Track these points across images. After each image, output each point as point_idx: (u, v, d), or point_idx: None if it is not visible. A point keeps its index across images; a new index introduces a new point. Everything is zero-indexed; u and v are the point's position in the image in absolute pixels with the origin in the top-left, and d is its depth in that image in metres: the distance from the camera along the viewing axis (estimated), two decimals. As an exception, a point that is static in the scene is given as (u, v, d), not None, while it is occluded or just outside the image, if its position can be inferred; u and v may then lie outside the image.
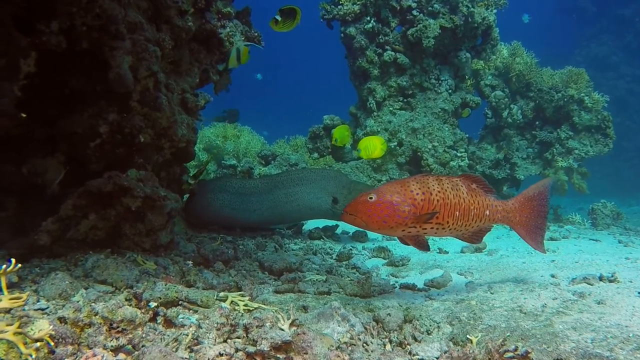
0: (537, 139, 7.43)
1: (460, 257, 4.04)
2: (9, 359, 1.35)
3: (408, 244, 2.41)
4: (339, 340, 1.82)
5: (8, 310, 1.60)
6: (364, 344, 1.84)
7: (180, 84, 3.60)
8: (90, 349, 1.49)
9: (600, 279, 2.74)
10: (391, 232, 2.31)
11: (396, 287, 2.98)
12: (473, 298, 2.53)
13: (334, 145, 6.56)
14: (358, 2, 7.12)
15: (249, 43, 4.23)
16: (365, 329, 1.98)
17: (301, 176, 4.61)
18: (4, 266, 1.55)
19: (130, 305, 1.75)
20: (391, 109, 7.23)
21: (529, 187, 2.65)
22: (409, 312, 2.14)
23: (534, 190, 2.61)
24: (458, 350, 1.65)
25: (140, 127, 2.78)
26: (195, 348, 1.57)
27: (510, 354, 1.61)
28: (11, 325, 1.37)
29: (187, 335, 1.62)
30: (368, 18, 7.16)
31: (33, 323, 1.46)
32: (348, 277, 3.20)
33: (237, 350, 1.58)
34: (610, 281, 2.70)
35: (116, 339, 1.56)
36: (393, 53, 7.07)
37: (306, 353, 1.53)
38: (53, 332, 1.44)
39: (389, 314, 2.07)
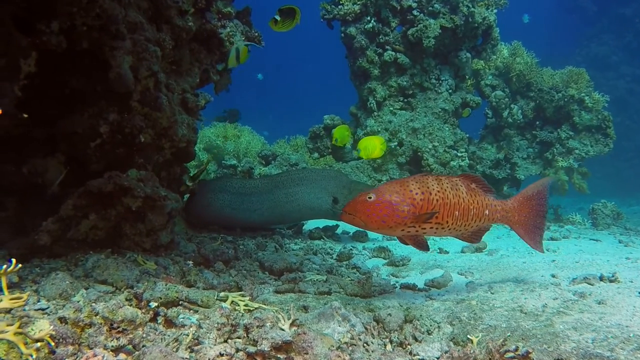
0: (538, 139, 7.43)
1: (461, 257, 4.04)
2: (9, 359, 1.35)
3: (407, 244, 2.41)
4: (339, 340, 1.82)
5: (8, 311, 1.60)
6: (365, 344, 1.84)
7: (180, 84, 3.60)
8: (91, 349, 1.49)
9: (601, 279, 2.74)
10: (390, 231, 2.31)
11: (397, 287, 2.97)
12: (473, 298, 2.52)
13: (334, 145, 6.56)
14: (358, 2, 7.12)
15: (248, 43, 4.23)
16: (366, 329, 1.98)
17: (301, 176, 4.60)
18: (5, 266, 1.55)
19: (130, 306, 1.75)
20: (391, 108, 7.23)
21: (527, 187, 2.65)
22: (410, 312, 2.14)
23: (532, 189, 2.61)
24: (459, 350, 1.65)
25: (141, 127, 2.78)
26: (195, 348, 1.57)
27: (511, 354, 1.61)
28: (12, 325, 1.36)
29: (188, 336, 1.62)
30: (368, 18, 7.15)
31: (33, 323, 1.46)
32: (348, 277, 3.20)
33: (237, 350, 1.58)
34: (611, 281, 2.70)
35: (117, 339, 1.56)
36: (393, 53, 7.07)
37: (307, 353, 1.53)
38: (53, 332, 1.44)
39: (389, 314, 2.07)
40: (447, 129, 7.09)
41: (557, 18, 25.02)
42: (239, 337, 1.68)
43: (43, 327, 1.43)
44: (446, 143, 6.96)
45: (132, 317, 1.62)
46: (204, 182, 4.66)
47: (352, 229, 4.96)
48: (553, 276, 2.97)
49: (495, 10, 7.19)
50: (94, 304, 1.71)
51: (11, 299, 1.52)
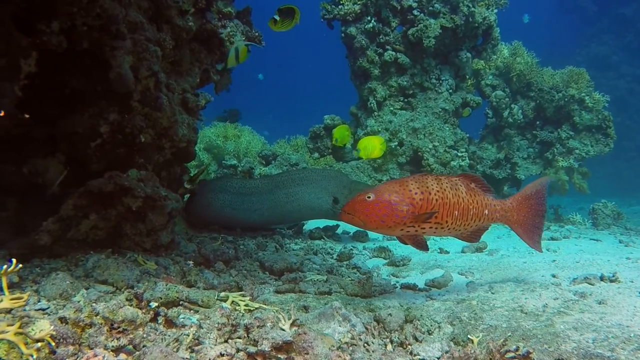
0: (538, 139, 7.42)
1: (461, 257, 4.04)
2: (10, 359, 1.35)
3: (407, 244, 2.40)
4: (340, 340, 1.82)
5: (9, 311, 1.59)
6: (365, 344, 1.84)
7: (180, 84, 3.60)
8: (91, 349, 1.49)
9: (602, 279, 2.74)
10: (389, 231, 2.31)
11: (397, 287, 2.97)
12: (474, 298, 2.52)
13: (335, 145, 6.56)
14: (359, 2, 7.12)
15: (248, 42, 4.23)
16: (366, 329, 1.98)
17: (302, 176, 4.60)
18: (5, 266, 1.55)
19: (131, 306, 1.75)
20: (392, 108, 7.23)
21: (526, 186, 2.65)
22: (410, 312, 2.14)
23: (531, 189, 2.61)
24: (459, 351, 1.65)
25: (141, 127, 2.78)
26: (196, 348, 1.57)
27: (512, 354, 1.61)
28: (12, 325, 1.36)
29: (188, 336, 1.62)
30: (369, 18, 7.15)
31: (34, 323, 1.46)
32: (349, 277, 3.20)
33: (238, 350, 1.58)
34: (612, 281, 2.70)
35: (117, 339, 1.56)
36: (394, 53, 7.07)
37: (307, 353, 1.53)
38: (54, 333, 1.44)
39: (390, 314, 2.07)
40: (447, 128, 7.09)
41: (558, 18, 25.02)
42: (239, 337, 1.68)
43: (43, 327, 1.43)
44: (446, 143, 6.96)
45: (132, 317, 1.62)
46: (204, 182, 4.66)
47: (352, 229, 4.96)
48: (553, 276, 2.97)
49: (495, 10, 7.19)
50: (94, 304, 1.71)
51: (12, 299, 1.52)
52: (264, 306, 2.11)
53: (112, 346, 1.54)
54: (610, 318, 2.07)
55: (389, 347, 1.91)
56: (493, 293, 2.62)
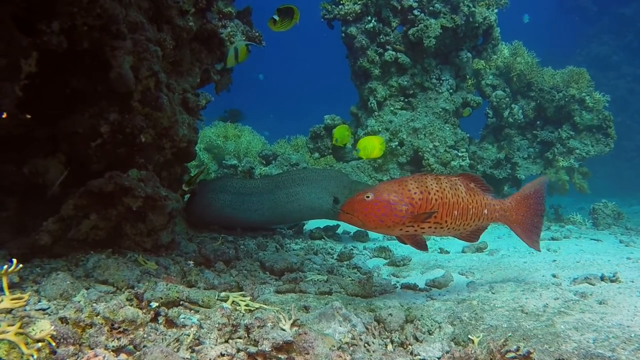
0: (538, 139, 7.42)
1: (462, 257, 4.04)
2: (10, 359, 1.35)
3: (406, 243, 2.40)
4: (340, 340, 1.82)
5: (9, 311, 1.59)
6: (366, 344, 1.84)
7: (181, 84, 3.60)
8: (92, 349, 1.49)
9: (602, 279, 2.74)
10: (388, 231, 2.30)
11: (397, 287, 2.97)
12: (474, 298, 2.52)
13: (335, 145, 6.56)
14: (359, 2, 7.12)
15: (248, 42, 4.23)
16: (367, 329, 1.98)
17: (302, 176, 4.60)
18: (6, 266, 1.55)
19: (131, 306, 1.75)
20: (392, 108, 7.23)
21: (525, 186, 2.65)
22: (411, 312, 2.14)
23: (530, 188, 2.61)
24: (460, 351, 1.65)
25: (142, 127, 2.78)
26: (196, 348, 1.57)
27: (512, 354, 1.61)
28: (13, 325, 1.36)
29: (189, 336, 1.62)
30: (369, 18, 7.15)
31: (34, 323, 1.45)
32: (349, 277, 3.20)
33: (238, 350, 1.58)
34: (612, 281, 2.70)
35: (117, 339, 1.56)
36: (394, 53, 7.07)
37: (308, 353, 1.53)
38: (54, 333, 1.44)
39: (390, 314, 2.07)
40: (447, 128, 7.09)
41: (558, 18, 25.01)
42: (240, 337, 1.68)
43: (44, 327, 1.43)
44: (447, 143, 6.96)
45: (133, 317, 1.62)
46: (204, 182, 4.67)
47: (352, 228, 4.96)
48: (554, 276, 2.97)
49: (495, 10, 7.19)
50: (94, 304, 1.71)
51: (12, 299, 1.52)
52: (265, 306, 2.11)
53: (113, 346, 1.54)
54: (610, 318, 2.07)
55: (390, 347, 1.91)
56: (493, 293, 2.62)
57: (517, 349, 1.61)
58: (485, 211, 2.44)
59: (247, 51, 4.12)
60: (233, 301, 2.11)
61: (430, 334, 2.02)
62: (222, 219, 4.50)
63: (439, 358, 1.76)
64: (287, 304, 2.34)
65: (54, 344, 1.43)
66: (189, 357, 1.53)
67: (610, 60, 19.50)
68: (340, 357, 1.57)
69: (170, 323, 1.77)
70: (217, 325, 1.68)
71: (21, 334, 1.36)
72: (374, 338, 1.93)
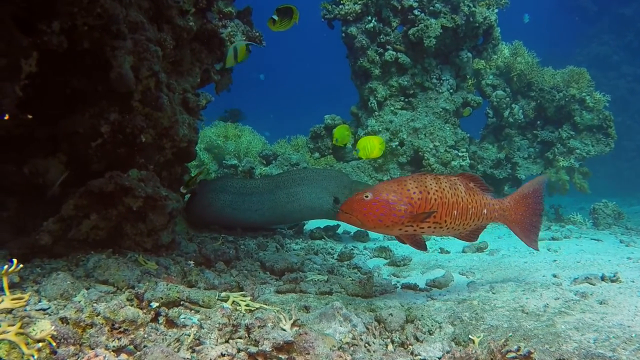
0: (539, 139, 7.42)
1: (462, 257, 4.04)
2: (11, 359, 1.35)
3: (405, 243, 2.40)
4: (341, 340, 1.82)
5: (10, 311, 1.59)
6: (366, 344, 1.84)
7: (181, 84, 3.60)
8: (92, 349, 1.49)
9: (602, 279, 2.74)
10: (387, 230, 2.30)
11: (398, 287, 2.97)
12: (475, 298, 2.52)
13: (335, 145, 6.56)
14: (359, 2, 7.12)
15: (248, 42, 4.23)
16: (367, 329, 1.98)
17: (302, 176, 4.60)
18: (6, 266, 1.55)
19: (132, 306, 1.75)
20: (392, 108, 7.22)
21: (523, 185, 2.65)
22: (411, 312, 2.14)
23: (528, 187, 2.61)
24: (460, 351, 1.65)
25: (142, 127, 2.78)
26: (197, 348, 1.57)
27: (513, 354, 1.61)
28: (13, 325, 1.36)
29: (189, 336, 1.62)
30: (369, 18, 7.15)
31: (35, 323, 1.45)
32: (349, 277, 3.20)
33: (239, 350, 1.58)
34: (613, 281, 2.70)
35: (118, 339, 1.56)
36: (394, 53, 7.07)
37: (308, 353, 1.53)
38: (55, 333, 1.44)
39: (390, 314, 2.06)
40: (448, 128, 7.09)
41: (558, 18, 25.01)
42: (240, 338, 1.68)
43: (44, 327, 1.43)
44: (447, 143, 6.95)
45: (133, 317, 1.62)
46: (205, 182, 4.67)
47: (353, 228, 4.95)
48: (554, 276, 2.97)
49: (496, 10, 7.19)
50: (95, 304, 1.70)
51: (12, 299, 1.52)
52: (265, 306, 2.11)
53: (113, 346, 1.54)
54: (611, 318, 2.07)
55: (390, 347, 1.91)
56: (494, 293, 2.62)
57: (518, 349, 1.61)
58: (485, 211, 2.44)
59: (247, 51, 4.12)
60: (233, 301, 2.11)
61: (430, 334, 2.02)
62: (223, 219, 4.50)
63: (439, 358, 1.76)
64: (287, 304, 2.34)
65: (54, 344, 1.43)
66: (189, 357, 1.53)
67: (611, 60, 19.51)
68: (341, 357, 1.57)
69: (171, 323, 1.77)
70: (217, 325, 1.68)
71: (22, 334, 1.35)
72: (375, 338, 1.93)
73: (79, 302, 1.87)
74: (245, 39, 4.37)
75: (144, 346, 1.57)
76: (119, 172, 2.60)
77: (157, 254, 2.82)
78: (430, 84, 7.24)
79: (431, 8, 6.91)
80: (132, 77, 2.64)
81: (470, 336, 1.95)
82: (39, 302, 1.86)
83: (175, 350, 1.55)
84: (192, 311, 1.93)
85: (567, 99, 7.13)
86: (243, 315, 1.93)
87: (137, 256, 2.58)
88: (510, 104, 7.41)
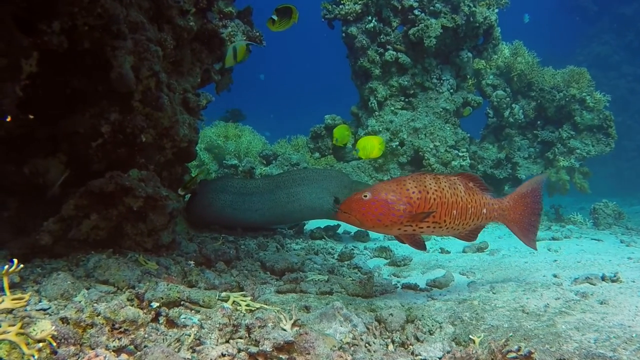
0: (539, 139, 7.42)
1: (462, 257, 4.03)
2: (11, 359, 1.35)
3: (404, 243, 2.40)
4: (341, 340, 1.82)
5: (10, 311, 1.59)
6: (367, 344, 1.84)
7: (181, 84, 3.60)
8: (93, 349, 1.49)
9: (603, 279, 2.74)
10: (386, 230, 2.30)
11: (398, 287, 2.97)
12: (475, 298, 2.52)
13: (335, 145, 6.56)
14: (359, 2, 7.12)
15: (248, 42, 4.23)
16: (368, 329, 1.97)
17: (303, 176, 4.60)
18: (6, 266, 1.55)
19: (132, 306, 1.75)
20: (393, 108, 7.22)
21: (522, 184, 2.65)
22: (411, 312, 2.14)
23: (527, 187, 2.61)
24: (461, 351, 1.65)
25: (142, 127, 2.78)
26: (197, 348, 1.57)
27: (513, 354, 1.61)
28: (14, 325, 1.36)
29: (190, 336, 1.62)
30: (369, 18, 7.15)
31: (35, 323, 1.45)
32: (350, 277, 3.20)
33: (239, 350, 1.58)
34: (613, 281, 2.70)
35: (118, 339, 1.56)
36: (394, 53, 7.07)
37: (309, 353, 1.53)
38: (55, 333, 1.44)
39: (391, 314, 2.06)
40: (448, 128, 7.09)
41: (558, 18, 25.03)
42: (240, 338, 1.68)
43: (45, 327, 1.43)
44: (447, 143, 6.95)
45: (133, 317, 1.62)
46: (205, 182, 4.67)
47: (353, 228, 4.95)
48: (555, 276, 2.97)
49: (496, 10, 7.19)
50: (95, 304, 1.70)
51: (13, 299, 1.52)
52: (265, 306, 2.11)
53: (114, 346, 1.54)
54: (612, 318, 2.07)
55: (391, 347, 1.91)
56: (494, 293, 2.62)
57: (518, 349, 1.61)
58: (484, 210, 2.44)
59: (247, 51, 4.12)
60: (234, 301, 2.11)
61: (431, 334, 2.02)
62: (223, 219, 4.50)
63: (440, 358, 1.76)
64: (287, 304, 2.33)
65: (54, 344, 1.43)
66: (189, 357, 1.53)
67: (611, 60, 19.52)
68: (341, 357, 1.57)
69: (171, 323, 1.77)
70: (218, 326, 1.68)
71: (22, 334, 1.35)
72: (375, 338, 1.93)
73: (80, 302, 1.87)
74: (245, 39, 4.37)
75: (145, 346, 1.57)
76: (119, 172, 2.60)
77: (157, 254, 2.82)
78: (431, 83, 7.24)
79: (431, 8, 6.91)
80: (132, 77, 2.64)
81: (470, 336, 1.95)
82: (40, 302, 1.86)
83: (176, 350, 1.55)
84: (193, 311, 1.93)
85: (567, 99, 7.13)
86: (243, 315, 1.93)
87: (137, 256, 2.58)
88: (511, 104, 7.41)
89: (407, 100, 7.27)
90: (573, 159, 7.13)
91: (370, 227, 2.28)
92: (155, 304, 1.81)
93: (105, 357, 1.41)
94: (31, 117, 2.34)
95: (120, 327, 1.59)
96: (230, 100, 6.62)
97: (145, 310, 1.75)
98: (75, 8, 2.33)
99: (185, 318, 1.78)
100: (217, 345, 1.60)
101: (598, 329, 1.97)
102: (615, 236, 5.27)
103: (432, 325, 2.07)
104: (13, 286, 1.96)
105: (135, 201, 2.61)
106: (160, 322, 1.77)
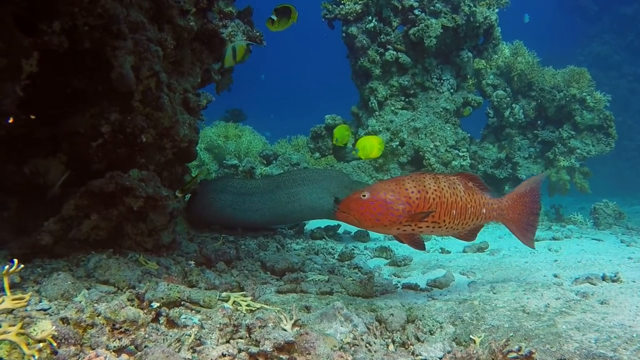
0: (539, 139, 7.41)
1: (463, 257, 4.03)
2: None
3: (404, 242, 2.40)
4: (341, 340, 1.82)
5: (11, 311, 1.59)
6: (367, 345, 1.84)
7: (182, 84, 3.60)
8: (93, 349, 1.49)
9: (603, 278, 2.74)
10: (385, 230, 2.30)
11: (399, 287, 2.97)
12: (476, 298, 2.52)
13: (335, 145, 6.56)
14: (360, 2, 7.12)
15: (248, 42, 4.22)
16: (368, 329, 1.97)
17: (303, 176, 4.60)
18: (7, 267, 1.55)
19: (132, 306, 1.74)
20: (393, 108, 7.22)
21: (520, 184, 2.66)
22: (412, 312, 2.14)
23: (525, 187, 2.62)
24: (461, 351, 1.65)
25: (142, 127, 2.78)
26: (198, 348, 1.57)
27: (514, 354, 1.61)
28: (14, 325, 1.36)
29: (190, 336, 1.62)
30: (370, 17, 7.15)
31: (35, 324, 1.45)
32: (350, 277, 3.19)
33: (239, 350, 1.58)
34: (613, 281, 2.70)
35: (119, 339, 1.56)
36: (395, 52, 7.07)
37: (309, 353, 1.53)
38: (55, 333, 1.44)
39: (391, 314, 2.06)
40: (448, 128, 7.09)
41: (559, 17, 25.02)
42: (241, 338, 1.68)
43: (45, 327, 1.43)
44: (448, 143, 6.95)
45: (134, 317, 1.62)
46: (205, 182, 4.67)
47: (353, 228, 4.95)
48: (555, 276, 2.97)
49: (496, 10, 7.18)
50: (96, 305, 1.70)
51: (13, 300, 1.52)
52: (266, 306, 2.11)
53: (114, 346, 1.54)
54: (612, 318, 2.07)
55: (391, 347, 1.90)
56: (495, 293, 2.62)
57: (519, 349, 1.61)
58: (484, 210, 2.44)
59: (247, 51, 4.11)
60: (234, 301, 2.11)
61: (431, 334, 2.02)
62: (223, 219, 4.50)
63: (440, 358, 1.76)
64: (288, 304, 2.33)
65: (55, 344, 1.43)
66: (190, 357, 1.53)
67: (611, 60, 19.51)
68: (342, 357, 1.57)
69: (172, 323, 1.77)
70: (218, 326, 1.68)
71: (22, 334, 1.35)
72: (376, 338, 1.93)
73: (80, 302, 1.87)
74: (245, 39, 4.37)
75: (145, 346, 1.57)
76: (119, 172, 2.60)
77: (157, 254, 2.82)
78: (431, 83, 7.24)
79: (432, 8, 6.91)
80: (132, 77, 2.63)
81: (471, 336, 1.95)
82: (40, 302, 1.86)
83: (176, 350, 1.55)
84: (193, 311, 1.93)
85: (567, 99, 7.12)
86: (244, 316, 1.93)
87: (137, 256, 2.58)
88: (511, 104, 7.40)
89: (407, 100, 7.27)
90: (573, 158, 7.13)
91: (368, 227, 2.28)
92: (155, 304, 1.81)
93: (105, 357, 1.41)
94: (32, 117, 2.34)
95: (120, 327, 1.59)
96: (231, 100, 6.62)
97: (145, 311, 1.75)
98: (75, 8, 2.33)
99: (185, 318, 1.78)
100: (217, 345, 1.60)
101: (599, 329, 1.97)
102: (616, 236, 5.27)
103: (433, 325, 2.07)
104: (13, 286, 1.96)
105: (136, 201, 2.61)
106: (160, 322, 1.77)
